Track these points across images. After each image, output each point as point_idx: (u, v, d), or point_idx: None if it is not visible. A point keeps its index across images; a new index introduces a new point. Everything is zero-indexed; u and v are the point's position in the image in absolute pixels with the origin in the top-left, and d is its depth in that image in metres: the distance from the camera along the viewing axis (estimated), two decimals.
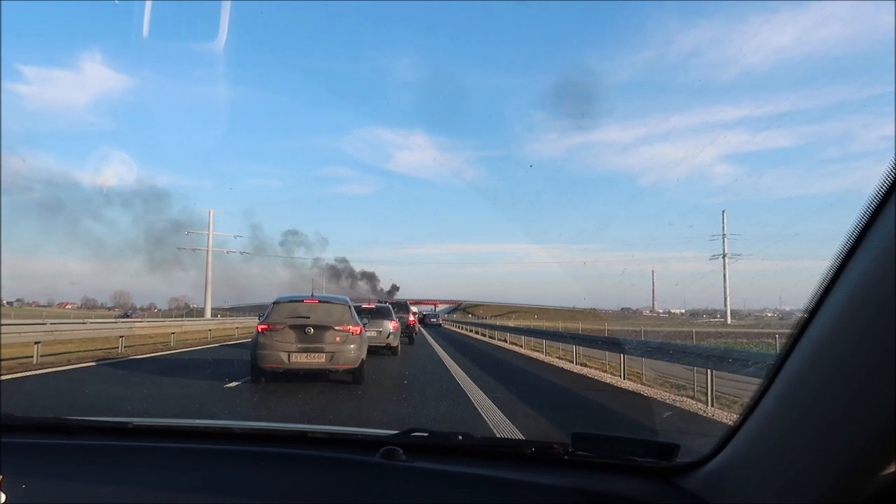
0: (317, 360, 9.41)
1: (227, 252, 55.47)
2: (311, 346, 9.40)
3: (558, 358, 18.73)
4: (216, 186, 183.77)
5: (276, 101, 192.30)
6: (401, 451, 1.48)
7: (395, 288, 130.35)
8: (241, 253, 58.38)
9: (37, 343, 13.02)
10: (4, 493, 1.17)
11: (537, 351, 21.63)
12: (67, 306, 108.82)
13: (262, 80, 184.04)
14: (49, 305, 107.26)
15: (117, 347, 16.69)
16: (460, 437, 1.59)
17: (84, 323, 17.74)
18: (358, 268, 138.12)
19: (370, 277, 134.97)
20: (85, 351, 16.10)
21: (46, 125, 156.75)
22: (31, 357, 12.79)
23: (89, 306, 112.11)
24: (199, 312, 54.54)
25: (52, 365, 12.41)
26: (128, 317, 45.42)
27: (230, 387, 9.57)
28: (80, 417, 1.78)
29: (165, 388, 9.69)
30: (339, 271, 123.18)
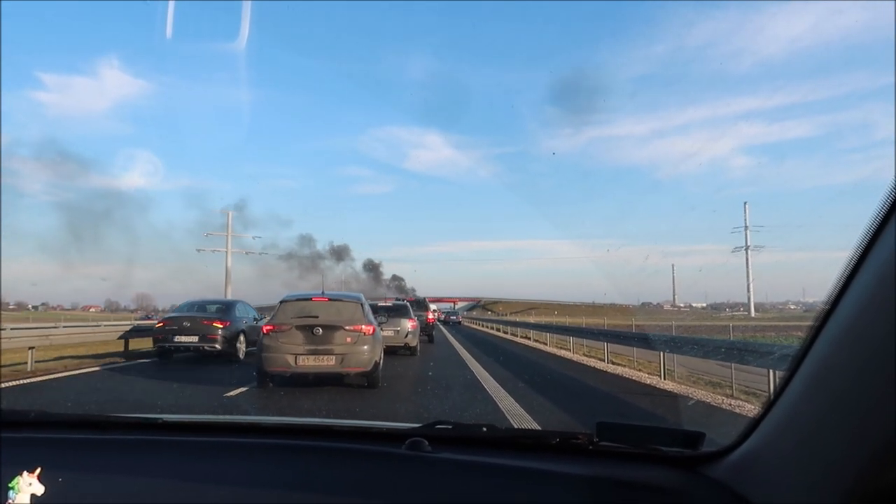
0: (326, 362, 8.56)
1: (246, 253, 55.44)
2: (320, 347, 8.56)
3: (585, 355, 18.01)
4: (235, 188, 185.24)
5: (293, 102, 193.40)
6: (426, 442, 1.47)
7: (372, 265, 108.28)
8: (260, 254, 58.24)
9: (31, 349, 12.25)
10: (43, 484, 1.19)
11: (564, 349, 20.79)
12: (91, 309, 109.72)
13: (279, 81, 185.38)
14: (73, 309, 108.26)
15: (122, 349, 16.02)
16: (484, 429, 1.59)
17: (98, 325, 17.41)
18: (324, 247, 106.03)
19: (340, 254, 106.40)
20: (84, 357, 15.37)
21: (67, 130, 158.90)
22: (26, 363, 12.04)
23: (112, 309, 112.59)
24: None
25: (48, 371, 11.63)
26: (149, 319, 44.63)
27: (231, 395, 8.60)
28: (111, 414, 1.77)
29: (159, 395, 8.74)
30: (302, 258, 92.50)
